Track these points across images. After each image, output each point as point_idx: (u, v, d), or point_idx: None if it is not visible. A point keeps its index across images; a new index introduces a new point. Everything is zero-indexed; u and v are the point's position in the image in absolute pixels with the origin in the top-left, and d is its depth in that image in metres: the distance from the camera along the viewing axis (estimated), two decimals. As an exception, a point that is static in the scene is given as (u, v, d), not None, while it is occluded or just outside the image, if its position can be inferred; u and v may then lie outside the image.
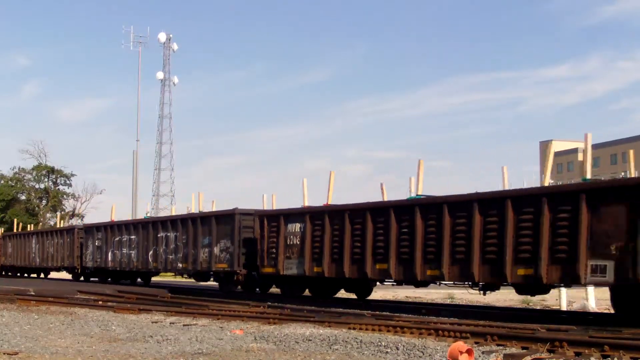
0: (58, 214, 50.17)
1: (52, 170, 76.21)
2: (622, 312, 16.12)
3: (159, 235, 29.68)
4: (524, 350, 11.46)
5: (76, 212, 74.44)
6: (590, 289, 22.47)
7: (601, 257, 14.67)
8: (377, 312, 18.46)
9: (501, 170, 19.19)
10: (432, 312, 18.65)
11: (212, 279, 28.10)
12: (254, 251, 24.59)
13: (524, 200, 16.39)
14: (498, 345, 12.13)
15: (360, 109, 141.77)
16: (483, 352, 11.32)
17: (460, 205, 17.72)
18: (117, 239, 33.08)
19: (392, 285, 21.45)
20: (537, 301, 24.42)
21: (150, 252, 30.21)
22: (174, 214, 34.71)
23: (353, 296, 24.30)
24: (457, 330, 13.28)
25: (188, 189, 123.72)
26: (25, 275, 45.08)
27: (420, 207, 18.73)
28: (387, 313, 18.35)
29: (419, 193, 19.62)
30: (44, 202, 76.37)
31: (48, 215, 74.27)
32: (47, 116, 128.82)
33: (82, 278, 37.50)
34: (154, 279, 37.05)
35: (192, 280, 32.04)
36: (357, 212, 20.54)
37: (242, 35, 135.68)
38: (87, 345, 12.75)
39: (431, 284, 19.92)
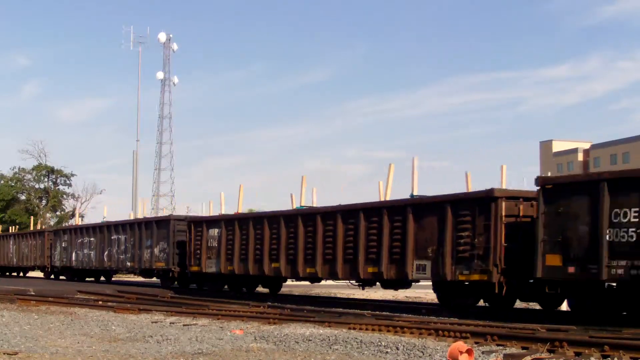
0: (32, 217, 50.60)
1: (52, 170, 76.14)
2: (441, 302, 19.42)
3: (112, 238, 33.29)
4: (524, 350, 11.47)
5: (76, 212, 74.41)
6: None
7: (423, 258, 18.71)
8: (377, 312, 18.47)
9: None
10: (433, 312, 18.67)
11: (154, 276, 31.84)
12: (185, 252, 28.06)
13: (371, 212, 20.27)
14: (498, 345, 12.13)
15: (360, 109, 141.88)
16: (483, 352, 11.32)
17: (329, 214, 21.74)
18: (79, 240, 36.32)
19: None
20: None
21: (105, 253, 33.63)
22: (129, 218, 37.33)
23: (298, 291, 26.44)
24: (457, 330, 13.28)
25: (188, 189, 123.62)
26: (7, 274, 47.29)
27: (302, 216, 22.68)
28: (387, 313, 18.37)
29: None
30: (43, 202, 76.34)
31: (48, 215, 74.25)
32: (47, 116, 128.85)
33: (52, 276, 40.33)
34: (125, 278, 40.79)
35: (152, 278, 34.30)
36: (257, 220, 24.61)
37: (241, 35, 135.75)
38: (87, 345, 12.75)
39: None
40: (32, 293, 26.06)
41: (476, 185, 20.01)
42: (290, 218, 23.05)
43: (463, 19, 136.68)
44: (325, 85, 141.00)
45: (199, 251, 27.16)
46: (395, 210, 19.53)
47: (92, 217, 73.52)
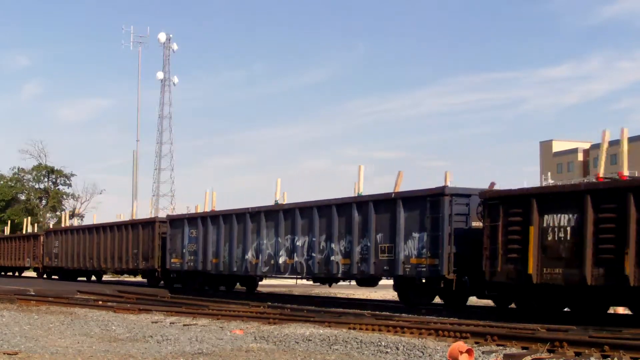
0: (25, 219, 50.74)
1: (52, 170, 76.09)
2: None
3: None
4: (524, 350, 11.47)
5: (76, 212, 74.32)
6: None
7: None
8: (377, 312, 18.47)
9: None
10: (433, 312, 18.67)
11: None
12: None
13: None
14: (498, 345, 12.13)
15: (360, 109, 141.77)
16: (483, 352, 11.32)
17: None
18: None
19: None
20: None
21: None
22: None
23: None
24: (457, 330, 13.28)
25: (188, 189, 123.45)
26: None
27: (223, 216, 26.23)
28: (387, 313, 18.37)
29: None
30: (43, 202, 76.32)
31: (48, 215, 74.22)
32: (47, 116, 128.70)
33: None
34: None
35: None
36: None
37: (242, 35, 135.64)
38: (87, 345, 12.75)
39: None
40: (32, 293, 26.05)
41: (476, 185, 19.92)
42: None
43: (463, 19, 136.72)
44: (325, 85, 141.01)
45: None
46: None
47: (92, 217, 73.47)
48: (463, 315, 17.27)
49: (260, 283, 29.95)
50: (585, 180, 20.86)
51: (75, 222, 50.53)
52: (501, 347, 11.88)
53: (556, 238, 15.84)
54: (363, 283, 22.59)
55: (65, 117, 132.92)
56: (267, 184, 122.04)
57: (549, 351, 11.39)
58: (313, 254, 22.15)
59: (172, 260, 28.90)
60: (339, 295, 28.44)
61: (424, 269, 18.86)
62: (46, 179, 77.06)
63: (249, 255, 24.91)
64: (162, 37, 75.29)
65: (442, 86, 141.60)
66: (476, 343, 12.30)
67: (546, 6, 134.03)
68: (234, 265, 25.55)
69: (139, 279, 38.35)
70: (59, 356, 11.30)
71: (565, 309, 17.45)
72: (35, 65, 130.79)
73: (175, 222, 29.20)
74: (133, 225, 32.72)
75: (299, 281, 33.64)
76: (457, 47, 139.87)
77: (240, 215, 25.40)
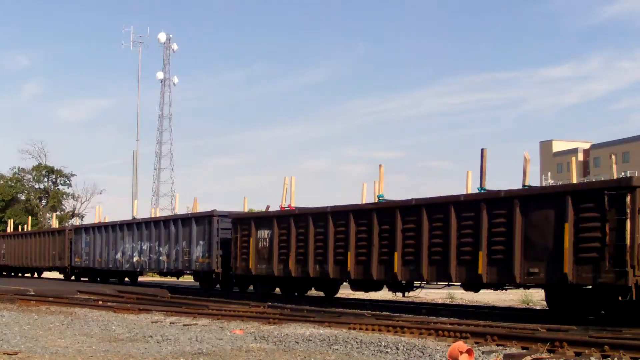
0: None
1: (52, 170, 76.11)
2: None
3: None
4: (524, 350, 11.47)
5: (76, 212, 74.35)
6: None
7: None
8: (377, 312, 18.47)
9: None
10: (432, 312, 18.67)
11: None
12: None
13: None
14: (498, 345, 12.13)
15: (360, 109, 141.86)
16: (483, 352, 11.32)
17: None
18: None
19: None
20: (537, 301, 24.43)
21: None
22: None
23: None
24: (457, 330, 13.28)
25: (188, 189, 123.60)
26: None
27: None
28: (387, 313, 18.37)
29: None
30: (43, 202, 76.31)
31: (47, 215, 74.22)
32: (47, 116, 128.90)
33: (72, 277, 41.93)
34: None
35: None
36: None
37: (241, 35, 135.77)
38: (87, 345, 12.75)
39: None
40: (32, 293, 26.05)
41: (475, 186, 19.90)
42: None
43: (463, 19, 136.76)
44: (325, 85, 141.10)
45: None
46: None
47: (92, 217, 73.44)
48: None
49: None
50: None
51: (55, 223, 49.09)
52: (501, 347, 11.88)
53: (264, 244, 23.86)
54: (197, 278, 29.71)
55: (65, 117, 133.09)
56: (268, 184, 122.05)
57: (549, 351, 11.40)
58: (151, 255, 30.69)
59: (75, 259, 37.08)
60: (338, 295, 28.37)
61: (205, 265, 26.96)
62: (46, 179, 77.13)
63: (119, 255, 33.21)
64: (162, 37, 75.45)
65: (442, 86, 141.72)
66: (476, 343, 12.30)
67: (546, 6, 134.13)
68: (110, 263, 33.96)
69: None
70: (59, 356, 11.30)
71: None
72: (35, 65, 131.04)
73: (77, 230, 37.51)
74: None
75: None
76: (457, 47, 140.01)
77: (113, 227, 33.89)
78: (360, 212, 20.45)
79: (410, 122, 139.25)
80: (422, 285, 19.71)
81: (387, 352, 11.76)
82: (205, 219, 27.04)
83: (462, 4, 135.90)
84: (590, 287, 15.89)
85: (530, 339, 12.13)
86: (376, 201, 20.88)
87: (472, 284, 18.26)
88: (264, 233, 23.72)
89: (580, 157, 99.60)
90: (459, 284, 18.63)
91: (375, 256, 19.79)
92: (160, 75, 76.21)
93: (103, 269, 34.99)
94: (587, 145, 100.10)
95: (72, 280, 38.51)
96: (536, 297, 24.94)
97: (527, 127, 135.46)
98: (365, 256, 20.15)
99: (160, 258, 29.87)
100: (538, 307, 22.57)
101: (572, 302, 16.48)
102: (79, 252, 36.63)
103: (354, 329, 14.59)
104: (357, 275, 20.47)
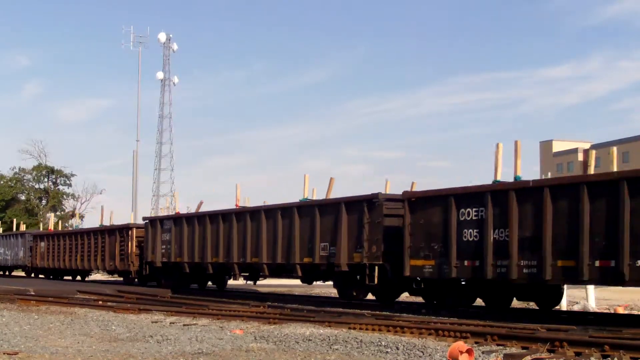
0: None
1: (52, 171, 76.12)
2: None
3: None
4: (524, 350, 11.47)
5: (76, 212, 74.31)
6: (591, 288, 22.48)
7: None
8: (377, 312, 18.47)
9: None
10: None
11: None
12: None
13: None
14: (498, 345, 12.13)
15: (360, 109, 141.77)
16: (483, 352, 11.32)
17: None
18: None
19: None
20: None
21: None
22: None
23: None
24: (457, 330, 13.28)
25: (188, 189, 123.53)
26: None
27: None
28: (387, 313, 18.37)
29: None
30: (43, 202, 76.34)
31: (47, 215, 74.24)
32: (47, 116, 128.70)
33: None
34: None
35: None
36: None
37: (241, 35, 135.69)
38: (87, 345, 12.76)
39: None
40: (32, 293, 26.06)
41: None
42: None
43: (463, 19, 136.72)
44: (325, 85, 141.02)
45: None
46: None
47: (92, 217, 73.55)
48: (463, 315, 17.39)
49: (259, 282, 29.53)
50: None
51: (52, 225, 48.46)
52: (501, 347, 11.89)
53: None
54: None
55: (65, 117, 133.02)
56: (268, 184, 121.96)
57: (549, 351, 11.39)
58: None
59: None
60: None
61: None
62: (46, 179, 77.13)
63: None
64: (162, 37, 75.40)
65: (442, 86, 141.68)
66: (476, 343, 12.30)
67: (546, 6, 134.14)
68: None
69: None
70: (59, 356, 11.30)
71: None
72: (35, 65, 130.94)
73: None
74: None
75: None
76: (457, 47, 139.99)
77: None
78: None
79: (410, 122, 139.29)
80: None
81: (387, 352, 11.76)
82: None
83: (462, 4, 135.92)
84: None
85: (530, 338, 12.13)
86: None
87: None
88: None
89: (580, 157, 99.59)
90: None
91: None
92: (160, 75, 76.18)
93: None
94: (587, 145, 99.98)
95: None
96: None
97: (527, 127, 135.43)
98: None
99: None
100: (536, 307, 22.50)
101: None
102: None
103: (354, 328, 14.60)
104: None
